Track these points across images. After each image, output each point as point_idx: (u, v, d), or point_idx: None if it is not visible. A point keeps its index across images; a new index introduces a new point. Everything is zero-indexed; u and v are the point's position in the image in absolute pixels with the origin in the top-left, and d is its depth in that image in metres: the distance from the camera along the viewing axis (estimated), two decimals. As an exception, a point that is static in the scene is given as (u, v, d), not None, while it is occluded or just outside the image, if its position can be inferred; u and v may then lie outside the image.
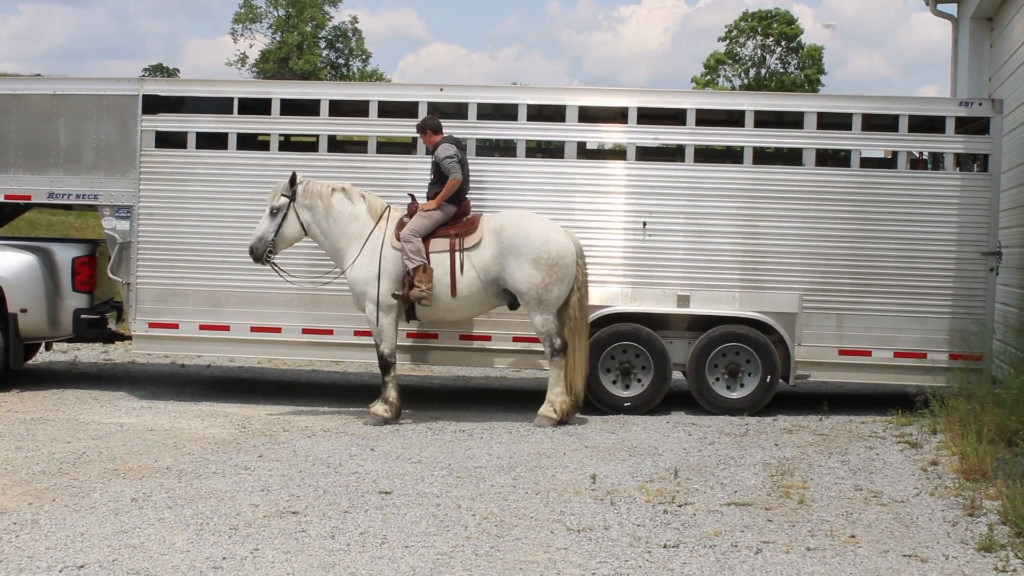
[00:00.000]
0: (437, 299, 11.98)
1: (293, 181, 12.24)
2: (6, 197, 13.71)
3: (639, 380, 12.81)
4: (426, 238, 11.99)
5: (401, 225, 12.10)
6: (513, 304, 12.29)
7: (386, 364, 12.12)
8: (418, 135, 12.73)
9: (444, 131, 12.58)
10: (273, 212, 12.26)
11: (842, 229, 12.91)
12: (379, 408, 12.03)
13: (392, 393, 12.09)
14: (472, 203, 12.81)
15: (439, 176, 12.22)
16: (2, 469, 9.38)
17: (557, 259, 11.89)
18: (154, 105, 13.42)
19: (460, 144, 12.50)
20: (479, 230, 12.09)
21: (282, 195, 12.25)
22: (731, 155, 13.59)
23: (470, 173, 12.49)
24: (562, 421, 11.93)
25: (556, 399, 11.97)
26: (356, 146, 14.09)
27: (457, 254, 11.98)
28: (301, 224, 12.32)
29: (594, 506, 8.51)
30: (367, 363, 13.29)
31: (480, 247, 12.00)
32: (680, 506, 8.56)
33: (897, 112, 13.06)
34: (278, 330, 13.11)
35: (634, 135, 13.21)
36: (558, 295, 11.96)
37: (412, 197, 12.36)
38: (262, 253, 12.25)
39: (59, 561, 6.95)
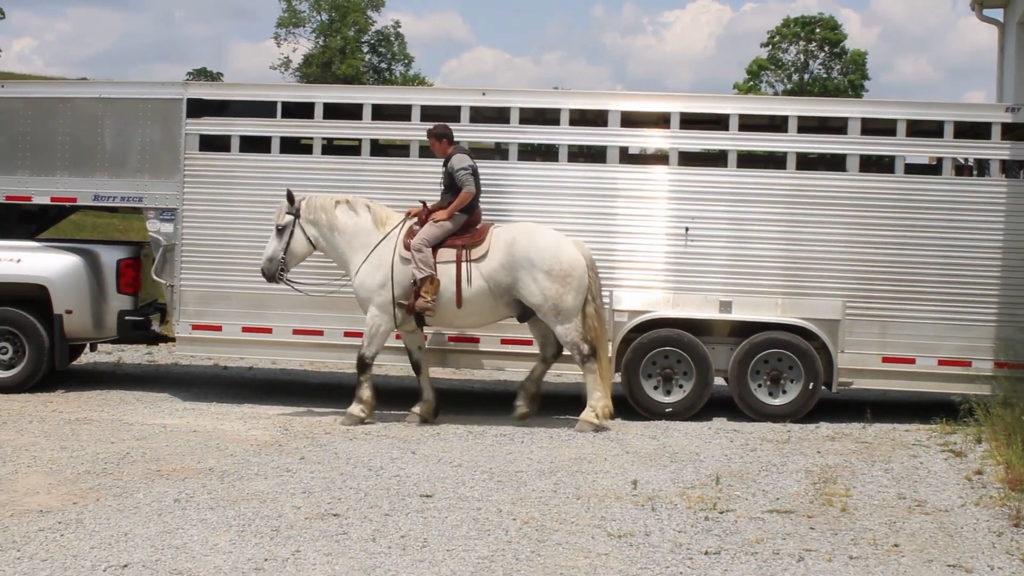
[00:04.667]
0: (443, 309, 12.02)
1: (291, 198, 12.32)
2: (52, 199, 13.83)
3: (681, 386, 12.77)
4: (435, 247, 12.03)
5: (411, 233, 12.14)
6: (522, 316, 12.33)
7: (364, 365, 12.20)
8: (429, 142, 12.65)
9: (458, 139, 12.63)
10: (280, 231, 12.34)
11: (886, 235, 12.82)
12: (355, 408, 12.13)
13: (367, 393, 12.18)
14: (514, 208, 12.87)
15: (452, 185, 12.24)
16: (47, 468, 9.47)
17: (569, 270, 11.92)
18: (198, 109, 13.50)
19: (471, 153, 12.52)
20: (487, 241, 12.10)
21: (287, 213, 12.33)
22: (774, 161, 13.51)
23: (482, 182, 12.45)
24: (602, 427, 11.91)
25: (597, 404, 11.96)
26: (398, 150, 14.11)
27: (464, 265, 12.00)
28: (308, 239, 12.39)
29: (635, 512, 8.49)
30: (406, 366, 13.30)
31: (488, 258, 12.01)
32: (721, 513, 8.53)
33: (942, 118, 12.96)
34: (320, 333, 13.15)
35: (677, 140, 13.18)
36: (574, 303, 11.96)
37: (423, 204, 12.39)
38: (274, 272, 12.35)
39: (103, 560, 7.00)
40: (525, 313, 12.27)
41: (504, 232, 12.19)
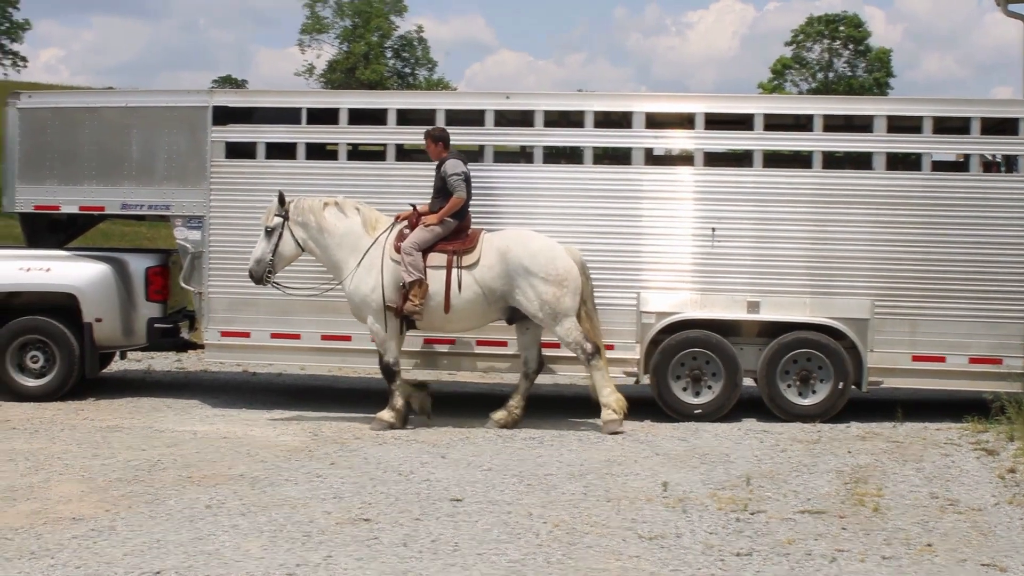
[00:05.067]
0: (431, 313, 12.06)
1: (282, 200, 12.34)
2: (81, 208, 13.90)
3: (709, 387, 12.74)
4: (425, 252, 12.05)
5: (401, 237, 12.16)
6: (511, 319, 12.37)
7: (390, 372, 12.24)
8: (424, 143, 12.67)
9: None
10: (268, 232, 12.34)
11: (914, 233, 12.76)
12: (386, 415, 12.14)
13: (399, 401, 12.20)
14: (540, 211, 12.88)
15: (443, 190, 12.26)
16: (80, 476, 9.52)
17: (565, 274, 12.00)
18: (224, 116, 13.55)
19: (465, 160, 12.54)
20: (478, 248, 12.13)
21: (275, 215, 12.34)
22: (800, 160, 13.46)
23: (473, 189, 12.48)
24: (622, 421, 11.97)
25: (610, 400, 12.00)
26: (423, 155, 14.09)
27: (454, 271, 12.03)
28: (296, 241, 12.39)
29: (666, 514, 8.48)
30: (436, 372, 13.34)
31: (480, 265, 12.05)
32: (753, 514, 8.51)
33: (969, 114, 12.89)
34: (348, 338, 13.17)
35: (702, 141, 13.15)
36: (571, 305, 12.06)
37: (414, 207, 12.42)
38: (261, 274, 12.36)
39: (136, 567, 7.03)
40: (513, 316, 12.33)
41: (496, 239, 12.23)
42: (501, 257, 12.02)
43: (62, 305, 13.60)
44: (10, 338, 13.51)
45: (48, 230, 14.73)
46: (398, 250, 12.04)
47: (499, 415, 12.24)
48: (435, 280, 11.99)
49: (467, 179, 12.26)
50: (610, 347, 12.75)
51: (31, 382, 13.56)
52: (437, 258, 12.05)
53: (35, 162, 13.88)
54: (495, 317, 12.40)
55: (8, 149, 14.05)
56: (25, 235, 14.87)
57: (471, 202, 12.43)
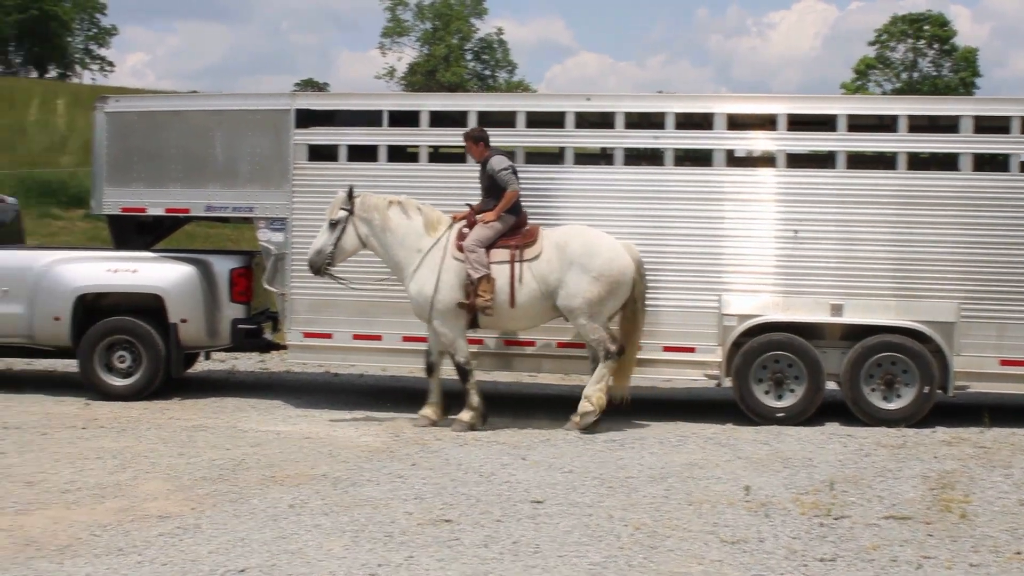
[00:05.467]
0: (498, 309, 12.08)
1: (351, 195, 12.39)
2: (166, 210, 14.09)
3: (792, 390, 12.62)
4: (487, 248, 12.08)
5: (462, 236, 12.20)
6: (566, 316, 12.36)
7: (464, 372, 12.29)
8: (465, 145, 12.75)
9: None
10: (332, 225, 12.40)
11: (1001, 235, 12.53)
12: (466, 416, 12.19)
13: (476, 399, 12.25)
14: (621, 213, 12.85)
15: (492, 188, 12.29)
16: (166, 475, 9.65)
17: (619, 277, 12.02)
18: (307, 119, 13.66)
19: (509, 155, 12.59)
20: (539, 242, 12.17)
21: (341, 208, 12.39)
22: (884, 161, 13.29)
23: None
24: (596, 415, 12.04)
25: (594, 394, 12.07)
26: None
27: (517, 265, 12.06)
28: (359, 237, 12.45)
29: (748, 518, 8.42)
30: (519, 373, 13.34)
31: (540, 259, 12.09)
32: (836, 519, 8.42)
33: (1058, 113, 12.66)
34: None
35: (784, 142, 13.04)
36: (610, 310, 12.13)
37: (470, 207, 12.45)
38: (321, 265, 12.41)
39: (220, 565, 7.12)
40: None
41: (555, 233, 12.28)
42: (559, 251, 12.06)
43: (148, 306, 13.80)
44: (98, 338, 13.72)
45: (135, 232, 14.95)
46: (460, 249, 12.09)
47: (583, 406, 12.15)
48: (499, 275, 12.04)
49: (515, 172, 12.33)
50: (691, 350, 12.72)
51: (118, 381, 13.77)
52: (500, 254, 12.12)
53: (122, 165, 14.09)
54: (553, 314, 12.40)
55: (96, 152, 14.28)
56: (112, 237, 15.12)
57: (549, 204, 12.44)
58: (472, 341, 12.82)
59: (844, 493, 9.24)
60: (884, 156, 13.37)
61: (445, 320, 12.16)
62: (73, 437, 11.33)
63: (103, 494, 8.95)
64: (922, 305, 12.55)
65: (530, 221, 12.54)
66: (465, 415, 12.18)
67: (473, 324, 12.34)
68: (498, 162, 12.26)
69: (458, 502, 8.78)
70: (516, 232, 12.26)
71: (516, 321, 12.43)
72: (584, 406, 12.02)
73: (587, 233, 12.29)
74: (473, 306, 12.01)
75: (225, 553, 7.37)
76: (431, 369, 12.58)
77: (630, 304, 12.23)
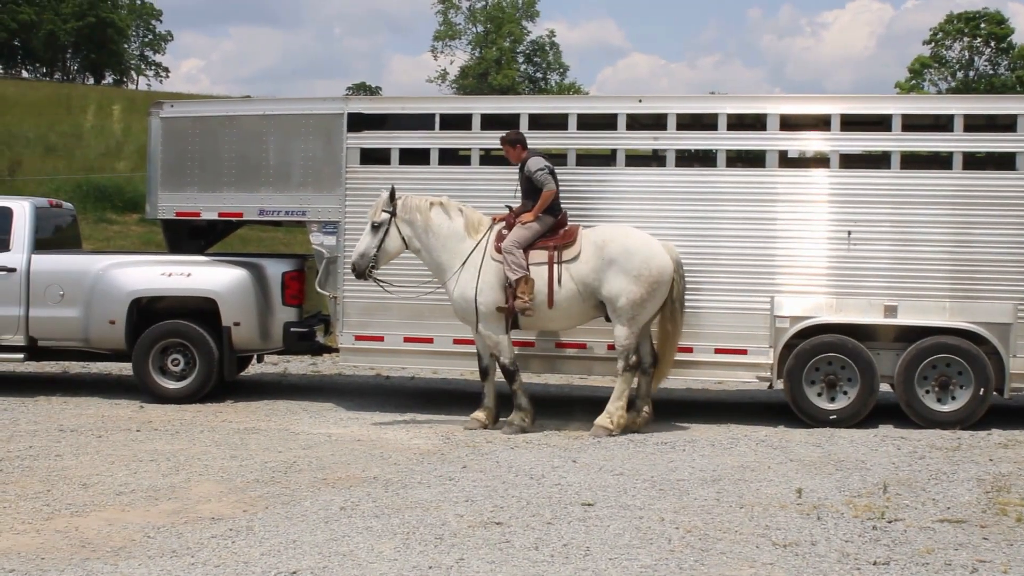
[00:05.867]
0: (536, 310, 12.06)
1: (393, 196, 12.41)
2: (220, 215, 14.21)
3: (845, 392, 12.53)
4: (525, 249, 12.06)
5: (500, 237, 12.19)
6: (608, 316, 12.30)
7: (510, 373, 12.32)
8: (503, 150, 12.76)
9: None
10: (375, 227, 12.43)
11: (1060, 236, 12.40)
12: (515, 418, 12.22)
13: (523, 400, 12.27)
14: (673, 214, 12.80)
15: (530, 189, 12.29)
16: (218, 477, 9.72)
17: (658, 277, 11.98)
18: (359, 123, 13.72)
19: (546, 156, 12.59)
20: (577, 243, 12.15)
21: (383, 211, 12.41)
22: (939, 161, 13.17)
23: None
24: (613, 433, 11.91)
25: (616, 412, 12.00)
26: (555, 159, 14.13)
27: (555, 266, 12.05)
28: (403, 238, 12.48)
29: (800, 521, 8.36)
30: (569, 375, 13.30)
31: (579, 260, 12.08)
32: (890, 522, 8.34)
33: (1119, 111, 12.48)
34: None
35: (837, 142, 12.95)
36: (650, 312, 12.09)
37: (509, 208, 12.46)
38: (364, 268, 12.43)
39: (273, 567, 7.15)
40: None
41: (593, 234, 12.25)
42: (597, 251, 12.04)
43: (202, 309, 13.92)
44: (152, 341, 13.85)
45: (189, 236, 15.09)
46: (499, 251, 12.10)
47: (603, 420, 12.11)
48: (538, 276, 12.04)
49: (552, 172, 12.31)
50: (743, 352, 12.66)
51: (172, 384, 13.89)
52: (538, 255, 12.12)
53: (177, 170, 14.22)
54: (593, 315, 12.40)
55: (151, 157, 14.44)
56: (167, 241, 15.29)
57: (601, 206, 12.41)
58: (521, 344, 12.83)
59: (898, 496, 9.16)
60: (939, 156, 13.24)
61: (487, 322, 12.19)
62: (128, 440, 11.44)
63: (157, 496, 9.02)
64: (978, 306, 12.42)
65: (583, 222, 12.55)
66: (515, 417, 12.19)
67: (514, 325, 12.35)
68: (535, 163, 12.27)
69: (508, 504, 8.78)
70: (555, 232, 12.26)
71: (555, 322, 12.44)
72: (603, 420, 12.00)
73: (626, 233, 12.26)
74: (512, 309, 12.02)
75: (277, 555, 7.41)
76: (485, 373, 12.61)
77: (668, 305, 12.19)
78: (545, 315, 12.19)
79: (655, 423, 12.48)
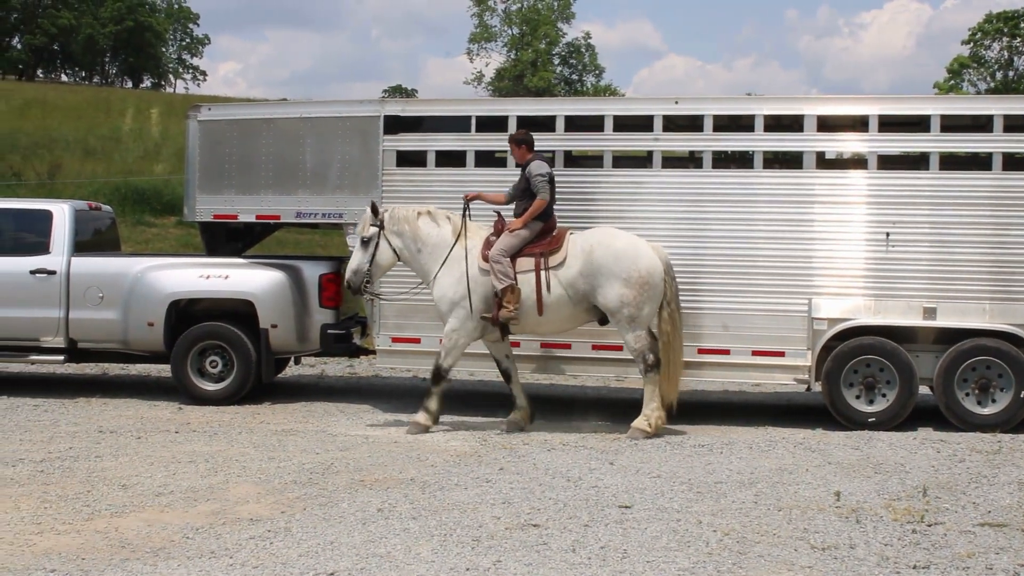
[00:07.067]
0: (524, 317, 12.09)
1: (375, 210, 12.46)
2: (257, 217, 14.27)
3: (884, 395, 12.46)
4: (513, 257, 12.05)
5: (488, 244, 12.19)
6: (603, 320, 12.31)
7: (439, 376, 12.37)
8: (508, 147, 12.81)
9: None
10: (365, 243, 12.46)
11: (1102, 236, 12.29)
12: (420, 417, 12.29)
13: (434, 404, 12.32)
14: (711, 216, 12.77)
15: (527, 192, 12.26)
16: (256, 478, 9.76)
17: (648, 278, 11.92)
18: (395, 125, 13.75)
19: (552, 162, 12.60)
20: (564, 248, 12.13)
21: (371, 225, 12.44)
22: (978, 162, 13.07)
23: (558, 192, 12.51)
24: (655, 435, 11.88)
25: (652, 414, 11.95)
26: (591, 161, 14.14)
27: (543, 273, 12.03)
28: (393, 249, 12.52)
29: (839, 524, 8.32)
30: (606, 377, 13.25)
31: (566, 265, 12.06)
32: (930, 526, 8.29)
33: None
34: (516, 344, 13.18)
35: (875, 143, 12.87)
36: (649, 312, 12.02)
37: (499, 215, 12.46)
38: (359, 284, 12.51)
39: (310, 568, 7.18)
40: (605, 318, 12.28)
41: (581, 238, 12.21)
42: (585, 256, 12.02)
43: (240, 311, 13.98)
44: (191, 343, 13.93)
45: (226, 238, 15.15)
46: (486, 259, 12.10)
47: (640, 423, 12.09)
48: (525, 283, 12.03)
49: (551, 181, 12.29)
50: (780, 354, 12.61)
51: (210, 386, 13.96)
52: (525, 262, 12.10)
53: (214, 172, 14.29)
54: (585, 318, 12.40)
55: (189, 160, 14.51)
56: (204, 243, 15.35)
57: (637, 208, 12.39)
58: (557, 345, 12.86)
59: (937, 499, 9.10)
60: (979, 157, 13.14)
61: (463, 323, 12.23)
62: (166, 441, 11.50)
63: (195, 497, 9.07)
64: (1018, 308, 12.32)
65: (619, 225, 12.56)
66: (420, 416, 12.29)
67: (504, 331, 12.38)
68: (537, 167, 12.26)
69: (546, 506, 8.77)
70: (543, 238, 12.25)
71: (544, 327, 12.46)
72: (640, 423, 11.97)
73: (612, 236, 12.24)
74: (496, 319, 12.04)
75: (315, 556, 7.44)
76: (507, 376, 12.65)
77: (665, 307, 12.13)
78: (534, 321, 12.21)
79: (693, 425, 12.45)
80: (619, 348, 12.67)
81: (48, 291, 14.15)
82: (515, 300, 11.95)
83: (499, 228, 12.33)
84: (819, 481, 9.76)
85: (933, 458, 10.81)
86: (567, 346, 13.17)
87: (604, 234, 12.28)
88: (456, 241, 12.35)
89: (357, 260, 12.51)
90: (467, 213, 12.51)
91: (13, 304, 14.18)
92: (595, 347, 13.13)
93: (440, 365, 12.39)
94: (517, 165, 12.64)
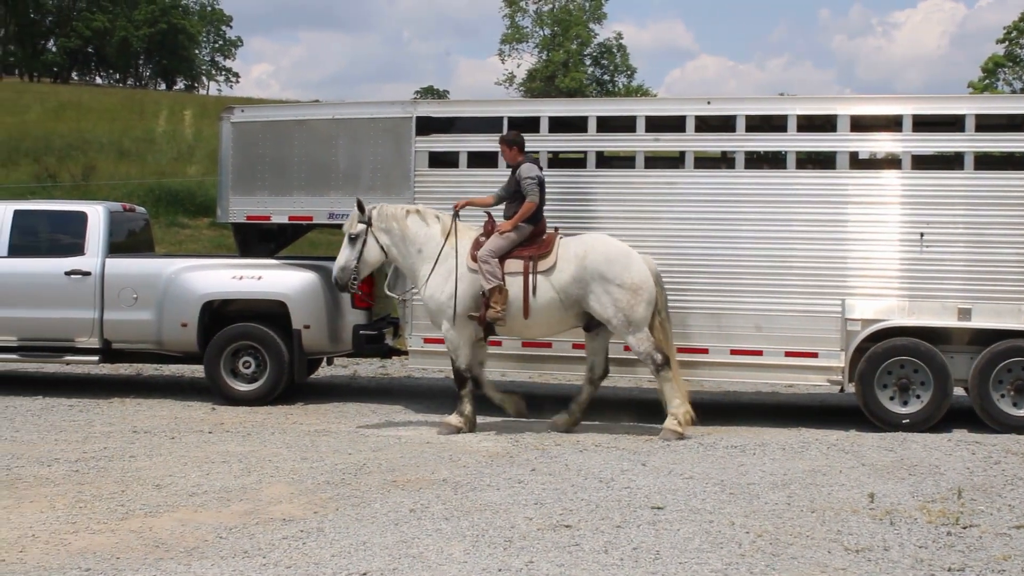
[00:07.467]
0: (511, 319, 12.11)
1: (362, 207, 12.45)
2: (290, 218, 14.31)
3: (918, 396, 12.39)
4: (501, 259, 12.05)
5: (477, 245, 12.19)
6: (588, 326, 12.34)
7: (462, 378, 12.39)
8: (499, 148, 12.78)
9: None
10: (352, 240, 12.48)
11: None
12: (453, 419, 12.30)
13: (467, 407, 12.35)
14: (744, 217, 12.72)
15: (518, 194, 12.27)
16: (289, 478, 9.79)
17: (640, 282, 11.95)
18: (427, 126, 13.77)
19: (540, 165, 12.59)
20: (554, 252, 12.13)
21: (359, 222, 12.45)
22: (1013, 161, 12.97)
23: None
24: (687, 432, 11.94)
25: (678, 411, 11.95)
26: (623, 161, 14.11)
27: (531, 276, 12.03)
28: (381, 247, 12.52)
29: (872, 526, 8.28)
30: (637, 379, 13.22)
31: (557, 270, 12.06)
32: (965, 528, 8.23)
33: None
34: (548, 345, 13.20)
35: (909, 143, 12.79)
36: (644, 314, 11.99)
37: (489, 216, 12.45)
38: (346, 281, 12.54)
39: (343, 568, 7.20)
40: (590, 323, 12.30)
41: (572, 243, 12.21)
42: (577, 262, 12.03)
43: (273, 312, 14.02)
44: (224, 344, 13.99)
45: (259, 239, 15.20)
46: (475, 259, 12.10)
47: (560, 418, 12.37)
48: (513, 286, 12.05)
49: (541, 184, 12.29)
50: (814, 355, 12.55)
51: (243, 387, 14.01)
52: (514, 264, 12.12)
53: (247, 174, 14.35)
54: (573, 323, 12.42)
55: (222, 162, 14.58)
56: (238, 244, 15.41)
57: (670, 209, 12.37)
58: (575, 346, 12.91)
59: (973, 501, 9.04)
60: (1014, 156, 13.04)
61: (457, 327, 12.24)
62: (200, 441, 11.56)
63: (229, 497, 9.11)
64: (1054, 309, 12.23)
65: (652, 225, 12.57)
66: (453, 418, 12.32)
67: (489, 332, 12.43)
68: (527, 170, 12.26)
69: (578, 507, 8.76)
70: (533, 241, 12.25)
71: (531, 330, 12.50)
72: (671, 424, 11.95)
73: (604, 241, 12.26)
74: (483, 319, 12.06)
75: (347, 556, 7.46)
76: (476, 383, 12.65)
77: (655, 316, 12.14)
78: (520, 324, 12.23)
79: (725, 426, 12.41)
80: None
81: (83, 292, 14.24)
82: (503, 301, 11.97)
83: (489, 229, 12.35)
84: (853, 483, 9.71)
85: (968, 460, 10.74)
86: (548, 345, 13.23)
87: (596, 239, 12.31)
88: (445, 241, 12.38)
89: (344, 257, 12.53)
90: (457, 215, 12.54)
91: (48, 305, 14.28)
92: (575, 346, 13.12)
93: (455, 368, 12.45)
94: (508, 166, 12.63)
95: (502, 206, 12.54)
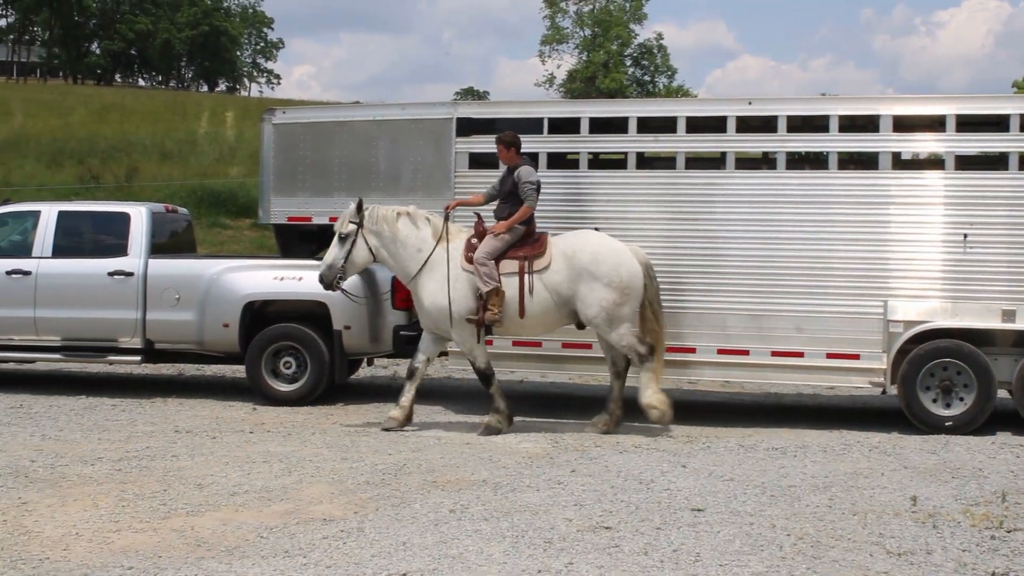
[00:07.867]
0: (507, 320, 12.12)
1: (360, 207, 12.41)
2: (331, 219, 14.26)
3: (961, 399, 12.29)
4: (497, 260, 12.06)
5: (470, 246, 12.17)
6: (581, 324, 12.35)
7: (485, 376, 12.39)
8: (496, 148, 12.72)
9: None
10: (342, 239, 12.43)
11: None
12: (492, 419, 12.29)
13: (501, 403, 12.32)
14: (785, 218, 12.67)
15: (513, 195, 12.25)
16: (330, 479, 9.82)
17: (628, 282, 11.97)
18: (467, 128, 13.77)
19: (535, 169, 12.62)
20: (547, 252, 12.15)
21: (350, 222, 12.42)
22: (1060, 162, 12.84)
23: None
24: (665, 417, 12.08)
25: (653, 400, 12.03)
26: (664, 162, 14.06)
27: (527, 276, 12.05)
28: (370, 249, 12.47)
29: (915, 529, 8.22)
30: (677, 380, 13.21)
31: (551, 269, 12.08)
32: (1009, 532, 8.16)
33: None
34: (588, 346, 13.16)
35: (952, 144, 12.69)
36: (629, 313, 12.01)
37: (479, 217, 12.44)
38: (332, 279, 12.49)
39: (383, 568, 7.21)
40: (582, 322, 12.32)
41: (562, 242, 12.25)
42: (568, 261, 12.06)
43: (313, 313, 14.06)
44: (265, 344, 14.04)
45: (300, 240, 15.26)
46: (470, 261, 12.10)
47: (601, 419, 12.35)
48: (509, 287, 12.07)
49: (539, 189, 12.31)
50: (855, 356, 12.47)
51: (284, 387, 14.06)
52: (509, 265, 12.12)
53: (288, 175, 14.41)
54: (566, 321, 12.45)
55: (264, 163, 14.66)
56: (279, 245, 15.48)
57: (711, 209, 12.33)
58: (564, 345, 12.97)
59: (1017, 505, 8.96)
60: (1059, 157, 12.90)
61: (460, 330, 12.24)
62: (241, 441, 11.62)
63: (270, 497, 9.15)
64: (1100, 311, 12.10)
65: (693, 226, 12.56)
66: (491, 419, 12.30)
67: (487, 331, 12.41)
68: (527, 173, 12.28)
69: (618, 509, 8.75)
70: (525, 242, 12.26)
71: (527, 330, 12.55)
72: (653, 415, 12.03)
73: (594, 240, 12.28)
74: (481, 321, 12.05)
75: (387, 557, 7.47)
76: (411, 373, 12.63)
77: (647, 307, 12.17)
78: (517, 324, 12.25)
79: (766, 428, 12.36)
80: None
81: (126, 292, 14.33)
82: (500, 303, 12.00)
83: (480, 230, 12.35)
84: (895, 485, 9.65)
85: (1012, 463, 10.65)
86: (537, 344, 13.28)
87: (586, 239, 12.34)
88: (437, 244, 12.38)
89: (332, 255, 12.52)
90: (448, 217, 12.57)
91: (92, 305, 14.39)
92: (565, 345, 13.15)
93: (479, 369, 12.46)
94: (506, 166, 12.61)
95: (491, 205, 12.57)
